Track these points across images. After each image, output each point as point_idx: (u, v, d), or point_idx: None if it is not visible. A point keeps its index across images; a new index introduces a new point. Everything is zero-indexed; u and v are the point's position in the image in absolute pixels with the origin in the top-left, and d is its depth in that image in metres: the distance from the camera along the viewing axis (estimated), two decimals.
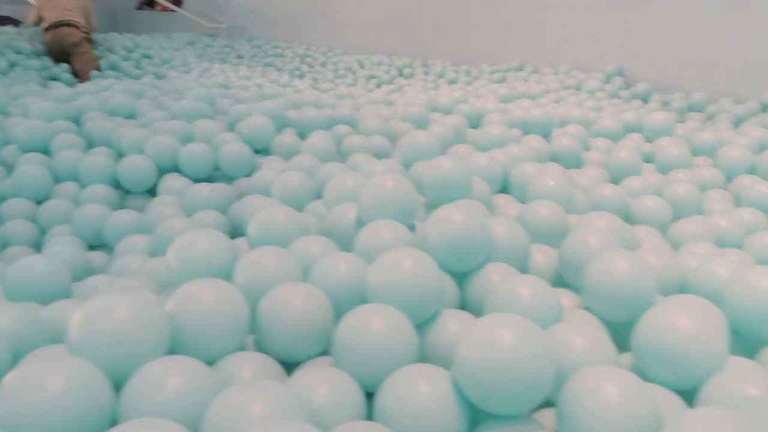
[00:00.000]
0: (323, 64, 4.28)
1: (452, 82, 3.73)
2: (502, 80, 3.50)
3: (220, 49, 4.41)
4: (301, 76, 4.01)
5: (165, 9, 5.73)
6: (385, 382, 0.42)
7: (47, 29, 3.60)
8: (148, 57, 3.87)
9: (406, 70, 4.02)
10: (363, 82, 3.87)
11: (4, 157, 1.46)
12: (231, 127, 1.56)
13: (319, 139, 1.35)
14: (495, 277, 0.62)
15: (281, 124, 1.58)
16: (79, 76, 3.46)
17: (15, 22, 5.04)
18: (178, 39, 4.34)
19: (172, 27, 5.05)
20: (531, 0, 3.62)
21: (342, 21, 4.74)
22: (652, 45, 2.99)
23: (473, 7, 4.03)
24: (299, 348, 0.52)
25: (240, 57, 4.37)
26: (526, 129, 1.61)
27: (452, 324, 0.52)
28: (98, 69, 3.52)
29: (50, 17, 3.61)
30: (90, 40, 3.67)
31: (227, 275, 0.61)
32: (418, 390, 0.39)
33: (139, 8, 6.29)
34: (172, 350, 0.56)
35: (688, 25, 2.80)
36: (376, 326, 0.45)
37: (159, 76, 3.39)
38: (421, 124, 1.57)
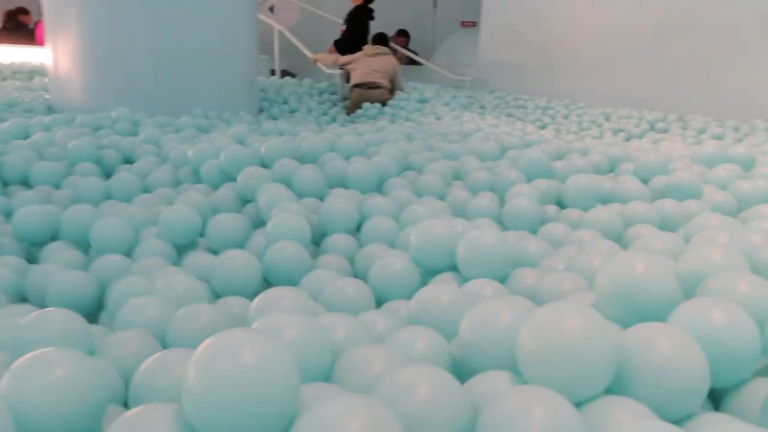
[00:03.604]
0: (566, 116, 4.18)
1: (717, 138, 3.32)
2: None
3: (465, 99, 4.60)
4: (542, 127, 3.96)
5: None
6: None
7: (355, 86, 4.34)
8: (400, 108, 4.20)
9: (659, 125, 3.71)
10: (609, 135, 3.67)
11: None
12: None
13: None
14: None
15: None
16: None
17: (292, 75, 5.95)
18: (426, 89, 4.64)
19: (421, 78, 5.43)
20: None
21: (586, 72, 4.61)
22: None
23: (743, 55, 3.59)
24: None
25: (482, 107, 4.50)
26: None
27: None
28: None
29: (358, 77, 4.36)
30: (391, 93, 4.46)
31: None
32: None
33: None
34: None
35: None
36: None
37: (412, 122, 3.63)
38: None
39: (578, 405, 0.51)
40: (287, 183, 1.42)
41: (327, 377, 0.60)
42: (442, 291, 0.78)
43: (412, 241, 1.01)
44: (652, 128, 3.74)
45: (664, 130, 3.67)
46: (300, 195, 1.37)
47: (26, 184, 1.52)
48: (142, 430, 0.45)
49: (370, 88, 4.29)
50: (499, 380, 0.55)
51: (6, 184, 1.47)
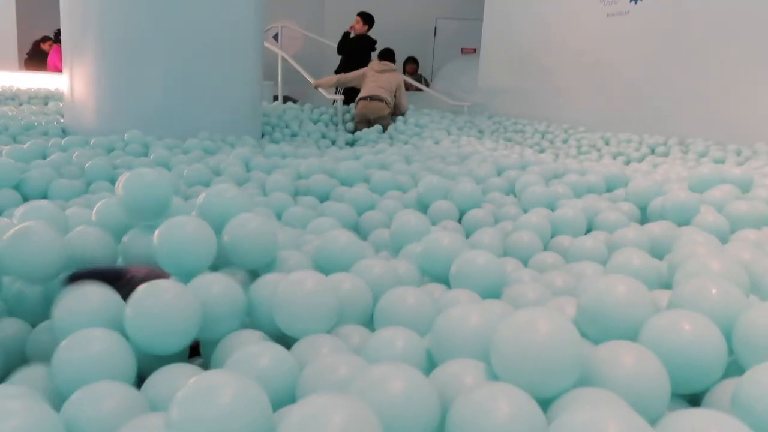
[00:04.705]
0: (564, 141, 4.25)
1: (718, 162, 3.37)
2: None
3: (463, 124, 4.69)
4: (541, 151, 4.03)
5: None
6: None
7: (360, 99, 4.52)
8: (399, 132, 4.28)
9: (660, 149, 3.77)
10: (609, 159, 3.73)
11: None
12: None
13: None
14: None
15: None
16: None
17: (293, 100, 6.07)
18: (425, 114, 4.74)
19: (421, 104, 5.53)
20: None
21: (586, 97, 4.71)
22: None
23: (746, 80, 3.65)
24: None
25: (481, 132, 4.58)
26: None
27: None
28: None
29: (365, 91, 4.54)
30: (392, 114, 4.59)
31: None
32: None
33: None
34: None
35: None
36: None
37: (411, 145, 3.71)
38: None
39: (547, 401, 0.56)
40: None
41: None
42: (406, 292, 0.83)
43: (418, 250, 1.08)
44: (653, 152, 3.78)
45: (665, 154, 3.71)
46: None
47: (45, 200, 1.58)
48: None
49: (373, 100, 4.45)
50: (466, 368, 0.60)
51: (26, 200, 1.53)
